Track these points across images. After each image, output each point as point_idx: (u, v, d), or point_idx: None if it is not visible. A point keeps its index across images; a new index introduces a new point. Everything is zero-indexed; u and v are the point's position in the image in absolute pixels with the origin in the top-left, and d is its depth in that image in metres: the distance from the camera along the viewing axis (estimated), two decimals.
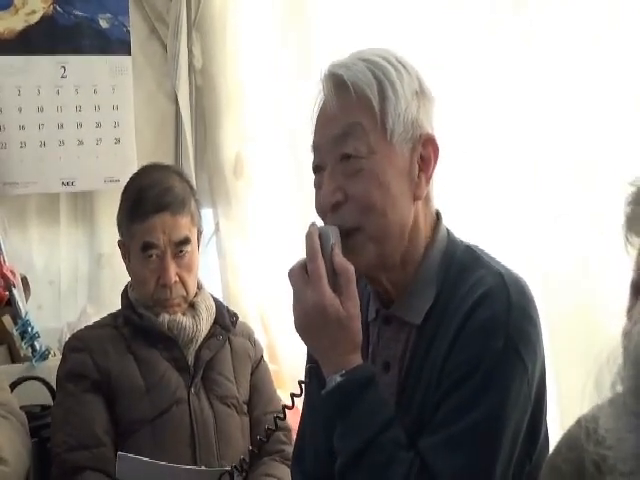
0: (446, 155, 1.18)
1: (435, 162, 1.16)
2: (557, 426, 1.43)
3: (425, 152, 1.15)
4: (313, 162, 1.17)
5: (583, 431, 0.74)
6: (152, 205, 1.76)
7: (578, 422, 0.86)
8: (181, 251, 1.78)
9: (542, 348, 1.13)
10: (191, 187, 1.89)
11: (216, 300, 1.92)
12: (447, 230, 1.21)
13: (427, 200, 1.18)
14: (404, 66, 1.16)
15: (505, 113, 1.77)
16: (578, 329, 1.57)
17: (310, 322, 1.09)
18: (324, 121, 1.16)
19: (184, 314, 1.81)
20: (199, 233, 1.85)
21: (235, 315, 1.92)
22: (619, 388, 0.64)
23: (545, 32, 1.66)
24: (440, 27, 1.87)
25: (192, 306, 1.84)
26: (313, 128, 1.17)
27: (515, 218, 1.78)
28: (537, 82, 1.68)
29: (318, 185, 1.17)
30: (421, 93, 1.16)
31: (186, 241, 1.79)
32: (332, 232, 1.12)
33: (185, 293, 1.80)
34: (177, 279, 1.77)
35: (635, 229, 0.87)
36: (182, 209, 1.78)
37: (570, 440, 0.86)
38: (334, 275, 1.09)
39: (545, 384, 1.15)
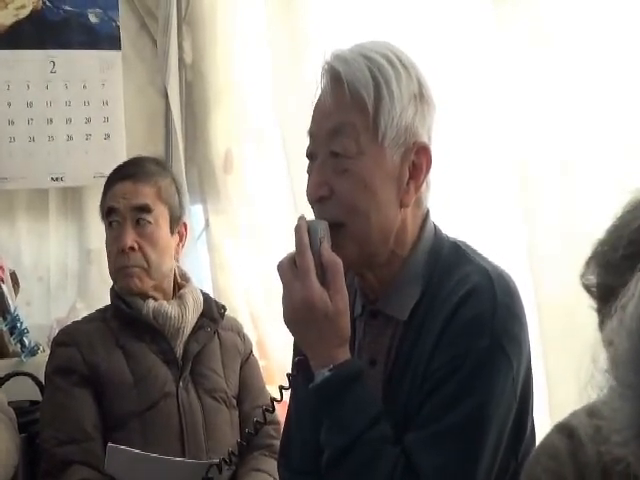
0: (436, 155, 1.18)
1: (427, 171, 1.15)
2: (547, 419, 1.44)
3: (417, 160, 1.14)
4: (307, 148, 1.18)
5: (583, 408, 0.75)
6: (116, 175, 1.85)
7: (557, 428, 0.87)
8: (142, 220, 1.79)
9: (528, 345, 1.13)
10: (171, 175, 1.91)
11: (204, 293, 1.93)
12: (434, 226, 1.21)
13: (418, 203, 1.17)
14: (405, 67, 1.14)
15: (495, 112, 1.78)
16: (568, 319, 1.58)
17: (298, 315, 1.09)
18: (320, 113, 1.16)
19: (169, 303, 1.82)
20: (174, 218, 1.85)
21: (223, 307, 1.93)
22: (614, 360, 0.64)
23: (531, 33, 1.67)
24: (431, 27, 1.87)
25: (180, 297, 1.84)
26: (312, 114, 1.17)
27: (501, 208, 1.79)
28: (525, 82, 1.68)
29: (310, 172, 1.17)
30: (420, 98, 1.14)
31: (146, 208, 1.80)
32: (321, 226, 1.12)
33: (146, 264, 1.79)
34: (136, 247, 1.78)
35: (595, 264, 0.87)
36: (145, 178, 1.82)
37: (550, 449, 0.86)
38: (322, 269, 1.10)
39: (531, 381, 1.15)
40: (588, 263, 0.87)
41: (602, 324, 0.82)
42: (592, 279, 0.85)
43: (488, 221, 1.80)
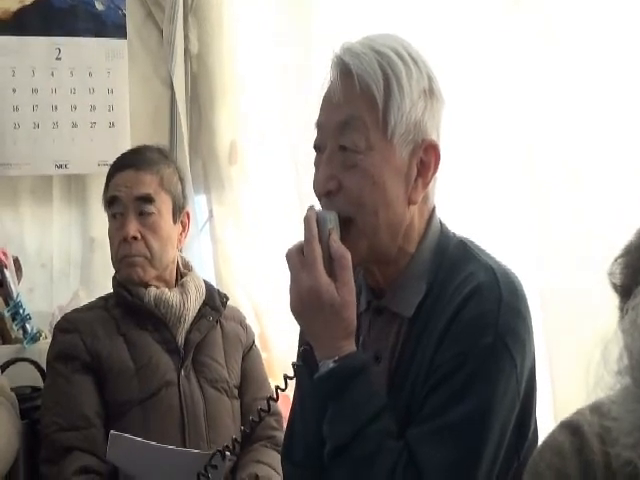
0: (447, 154, 1.17)
1: (435, 169, 1.15)
2: (551, 419, 1.45)
3: (426, 157, 1.14)
4: (315, 140, 1.17)
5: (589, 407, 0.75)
6: (118, 164, 1.85)
7: (562, 425, 0.87)
8: (145, 211, 1.79)
9: (532, 344, 1.14)
10: (174, 163, 1.91)
11: (206, 282, 1.93)
12: (440, 223, 1.21)
13: (425, 199, 1.17)
14: (416, 62, 1.14)
15: (501, 111, 1.78)
16: (572, 323, 1.59)
17: (304, 305, 1.10)
18: (329, 105, 1.15)
19: (171, 290, 1.82)
20: (177, 207, 1.85)
21: (225, 296, 1.93)
22: (626, 361, 0.64)
23: (539, 33, 1.67)
24: (439, 24, 1.87)
25: (182, 285, 1.85)
26: (320, 105, 1.17)
27: (511, 212, 1.79)
28: (533, 80, 1.68)
29: (317, 165, 1.17)
30: (430, 93, 1.14)
31: (148, 199, 1.80)
32: (330, 217, 1.12)
33: (148, 254, 1.80)
34: (139, 236, 1.78)
35: (623, 264, 0.87)
36: (147, 167, 1.82)
37: (554, 445, 0.86)
38: (330, 260, 1.10)
39: (535, 381, 1.15)
40: (617, 261, 0.87)
41: None
42: (619, 278, 0.86)
43: (499, 221, 1.80)
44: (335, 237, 1.11)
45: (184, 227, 1.90)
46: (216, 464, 1.26)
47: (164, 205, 1.82)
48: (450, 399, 1.08)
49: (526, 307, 1.13)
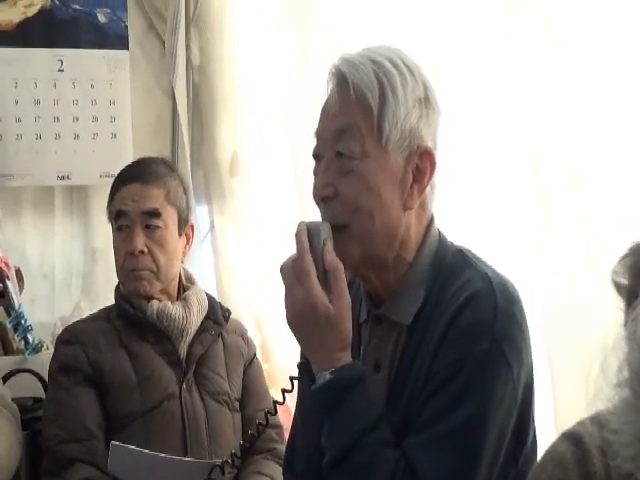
0: (452, 157, 1.18)
1: (430, 176, 1.16)
2: (552, 431, 1.45)
3: (421, 164, 1.15)
4: (314, 149, 1.19)
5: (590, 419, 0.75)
6: (124, 177, 1.84)
7: (563, 436, 0.87)
8: (152, 224, 1.79)
9: (529, 351, 1.14)
10: (179, 176, 1.91)
11: (209, 296, 1.93)
12: (439, 232, 1.22)
13: (422, 205, 1.18)
14: (411, 71, 1.15)
15: (506, 114, 1.78)
16: (573, 329, 1.58)
17: (299, 319, 1.10)
18: (326, 114, 1.18)
19: (174, 304, 1.82)
20: (182, 220, 1.85)
21: (228, 311, 1.93)
22: (625, 373, 0.64)
23: (540, 34, 1.67)
24: (440, 27, 1.88)
25: (184, 299, 1.85)
26: (319, 115, 1.19)
27: (516, 215, 1.79)
28: (536, 81, 1.68)
29: (315, 173, 1.19)
30: (425, 102, 1.16)
31: (156, 213, 1.79)
32: (324, 228, 1.13)
33: (155, 268, 1.79)
34: (145, 250, 1.78)
35: (627, 266, 0.87)
36: (154, 180, 1.81)
37: (556, 456, 0.86)
38: (325, 272, 1.10)
39: (533, 388, 1.15)
40: (622, 262, 0.87)
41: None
42: (622, 280, 0.85)
43: (505, 223, 1.80)
44: (329, 248, 1.12)
45: (188, 239, 1.89)
46: (215, 478, 1.26)
47: (170, 218, 1.82)
48: (447, 406, 1.08)
49: (522, 314, 1.13)
